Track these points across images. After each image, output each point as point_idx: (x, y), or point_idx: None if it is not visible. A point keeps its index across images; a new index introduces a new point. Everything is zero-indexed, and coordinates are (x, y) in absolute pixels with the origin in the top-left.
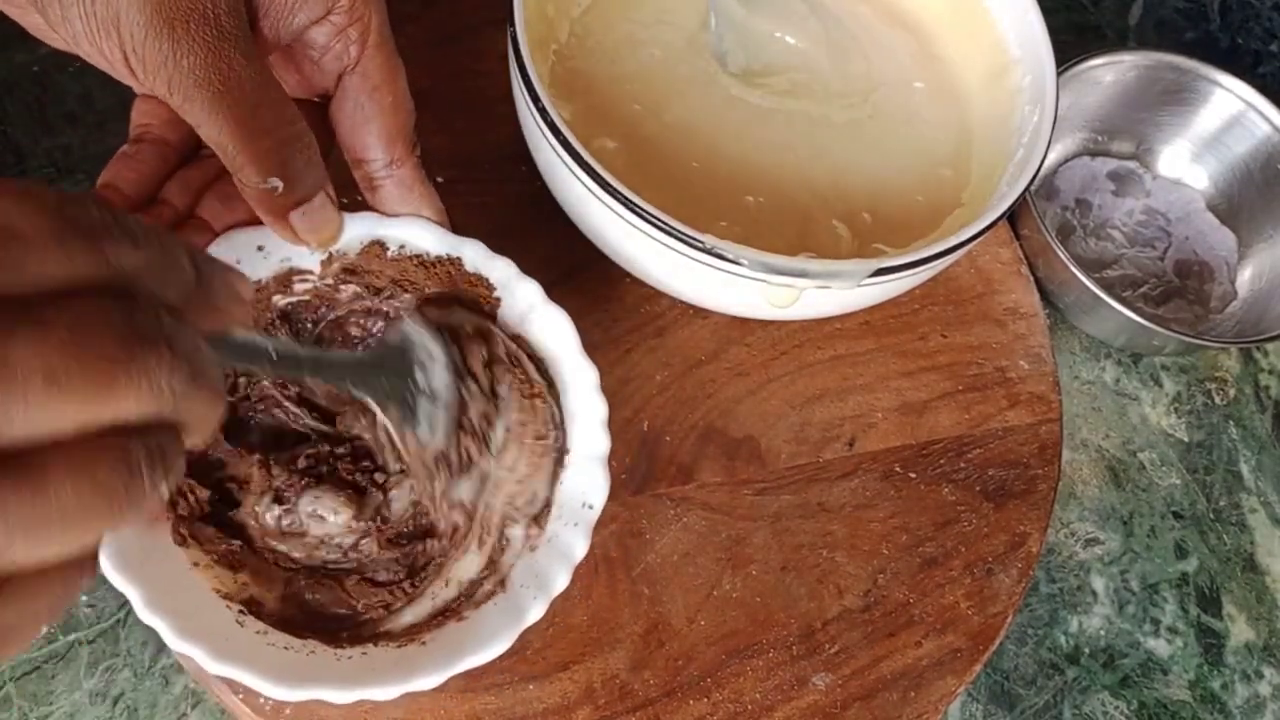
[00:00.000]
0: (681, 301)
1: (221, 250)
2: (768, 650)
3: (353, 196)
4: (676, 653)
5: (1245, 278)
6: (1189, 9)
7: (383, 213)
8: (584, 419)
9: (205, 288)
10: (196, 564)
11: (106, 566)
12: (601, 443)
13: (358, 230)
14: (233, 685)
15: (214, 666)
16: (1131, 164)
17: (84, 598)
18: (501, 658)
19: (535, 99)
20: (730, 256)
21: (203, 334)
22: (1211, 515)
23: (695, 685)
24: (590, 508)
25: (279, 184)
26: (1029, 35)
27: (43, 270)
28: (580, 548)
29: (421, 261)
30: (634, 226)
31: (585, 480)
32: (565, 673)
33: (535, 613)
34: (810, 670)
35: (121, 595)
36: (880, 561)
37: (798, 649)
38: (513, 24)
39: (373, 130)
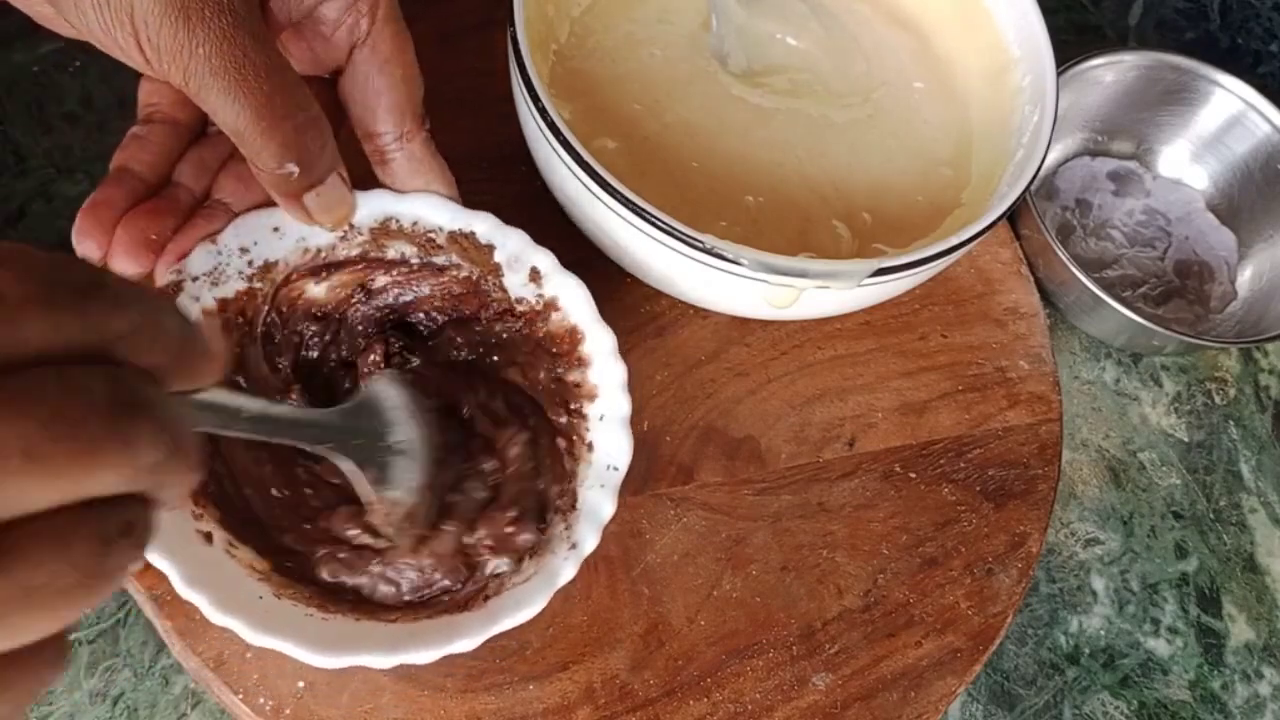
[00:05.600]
0: (681, 301)
1: (237, 232)
2: (768, 650)
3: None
4: (676, 653)
5: (1245, 278)
6: (1189, 9)
7: (394, 188)
8: (604, 383)
9: (189, 347)
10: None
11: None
12: (623, 405)
13: (370, 208)
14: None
15: (255, 638)
16: (1131, 164)
17: None
18: (501, 658)
19: (535, 99)
20: (730, 256)
21: (179, 395)
22: (1211, 515)
23: (695, 685)
24: (615, 469)
25: (295, 169)
26: (1029, 35)
27: (26, 337)
28: (608, 508)
29: (434, 237)
30: (634, 226)
31: (609, 443)
32: (565, 673)
33: (567, 573)
34: (810, 670)
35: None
36: (880, 561)
37: (798, 649)
38: (513, 24)
39: (383, 104)
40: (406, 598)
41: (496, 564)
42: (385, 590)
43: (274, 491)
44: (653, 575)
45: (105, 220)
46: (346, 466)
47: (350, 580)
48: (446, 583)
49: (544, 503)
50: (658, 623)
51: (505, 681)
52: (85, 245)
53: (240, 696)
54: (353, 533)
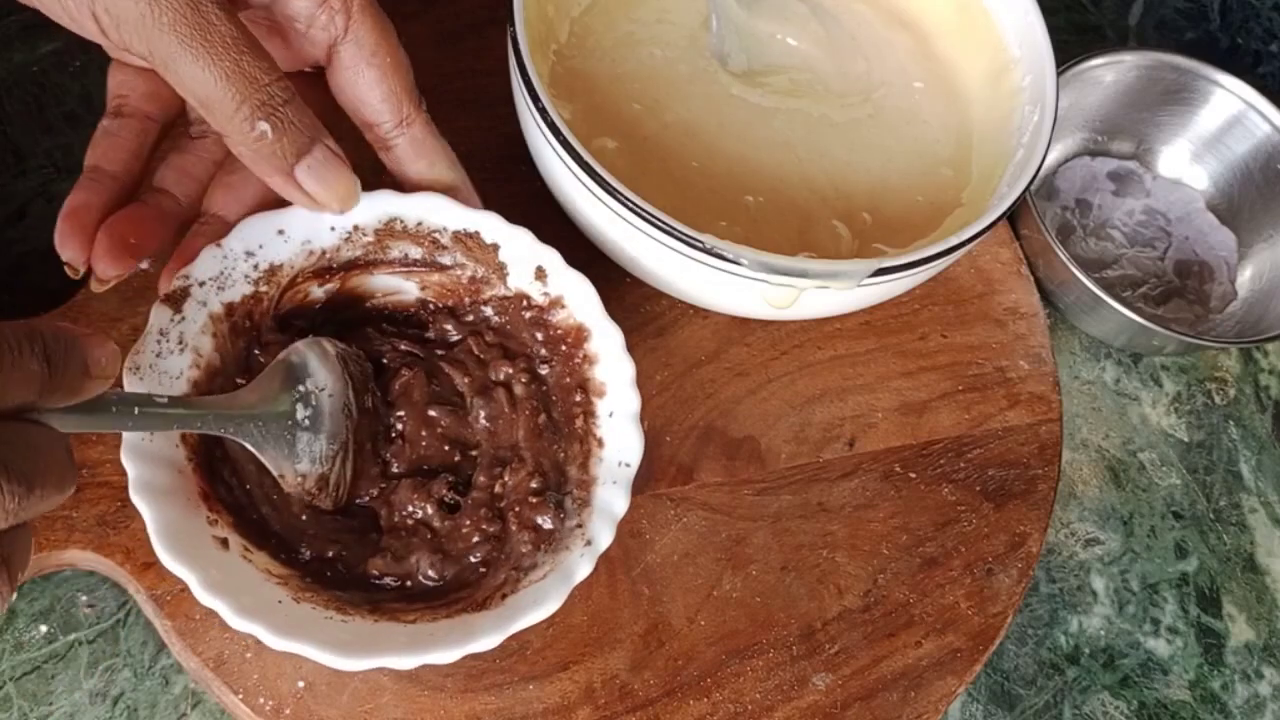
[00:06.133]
0: (681, 301)
1: (241, 238)
2: (768, 650)
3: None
4: (676, 653)
5: (1245, 278)
6: (1189, 9)
7: (399, 172)
8: (613, 380)
9: (58, 372)
10: (248, 553)
11: (162, 554)
12: (632, 401)
13: (375, 208)
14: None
15: (276, 642)
16: (1131, 164)
17: (84, 598)
18: (501, 658)
19: (535, 99)
20: (730, 256)
21: (62, 408)
22: (1211, 515)
23: (695, 685)
24: (627, 465)
25: (268, 128)
26: (1029, 35)
27: None
28: (621, 505)
29: (438, 237)
30: (634, 227)
31: (620, 439)
32: (565, 673)
33: (584, 570)
34: (810, 670)
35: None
36: (880, 561)
37: (798, 649)
38: (513, 24)
39: (377, 94)
40: (446, 574)
41: (521, 540)
42: (426, 569)
43: (297, 511)
44: (653, 575)
45: (86, 224)
46: (250, 446)
47: (399, 570)
48: (479, 555)
49: (562, 477)
50: (658, 623)
51: (505, 681)
52: (68, 251)
53: (240, 696)
54: (412, 508)
